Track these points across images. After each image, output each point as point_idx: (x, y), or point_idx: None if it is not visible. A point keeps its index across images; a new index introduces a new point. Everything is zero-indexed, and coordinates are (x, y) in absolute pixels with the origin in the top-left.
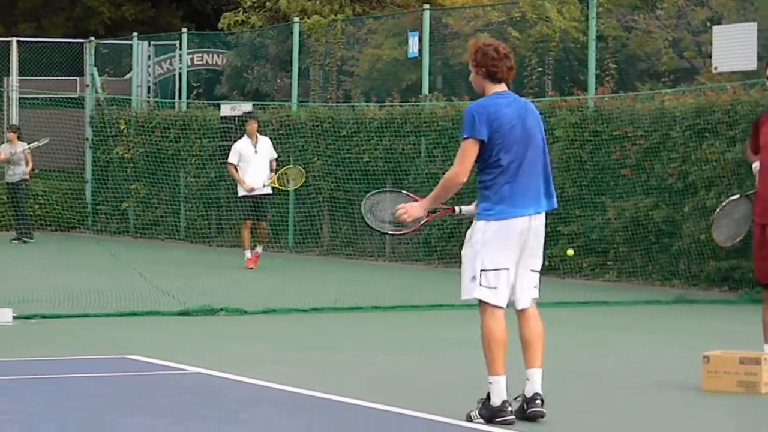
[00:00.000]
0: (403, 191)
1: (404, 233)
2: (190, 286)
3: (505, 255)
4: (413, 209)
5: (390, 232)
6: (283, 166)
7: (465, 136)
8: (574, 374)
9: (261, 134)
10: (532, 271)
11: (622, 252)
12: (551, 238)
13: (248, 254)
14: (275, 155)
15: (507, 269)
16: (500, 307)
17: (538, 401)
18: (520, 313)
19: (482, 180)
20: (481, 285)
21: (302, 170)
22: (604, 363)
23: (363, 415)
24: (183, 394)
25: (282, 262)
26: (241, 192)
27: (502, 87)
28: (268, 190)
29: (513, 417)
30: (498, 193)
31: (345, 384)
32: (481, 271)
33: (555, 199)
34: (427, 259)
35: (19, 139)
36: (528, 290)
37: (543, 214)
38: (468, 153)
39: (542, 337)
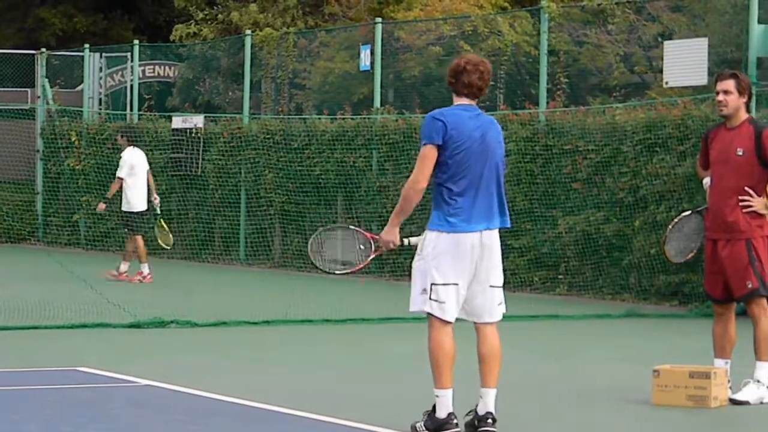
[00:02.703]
0: (351, 227)
1: (353, 271)
2: (141, 299)
3: (455, 270)
4: (388, 235)
5: (338, 272)
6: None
7: (423, 142)
8: (524, 388)
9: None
10: (491, 286)
11: (572, 266)
12: (502, 251)
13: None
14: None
15: (456, 284)
16: (448, 322)
17: (490, 420)
18: (479, 328)
19: (437, 191)
20: (430, 299)
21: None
22: (554, 377)
23: (312, 428)
24: (133, 406)
25: (233, 274)
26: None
27: (465, 101)
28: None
29: (458, 429)
30: (451, 206)
31: (295, 397)
32: (432, 285)
33: (508, 218)
34: (378, 272)
35: None
36: (488, 306)
37: (496, 231)
38: (426, 158)
39: (499, 355)
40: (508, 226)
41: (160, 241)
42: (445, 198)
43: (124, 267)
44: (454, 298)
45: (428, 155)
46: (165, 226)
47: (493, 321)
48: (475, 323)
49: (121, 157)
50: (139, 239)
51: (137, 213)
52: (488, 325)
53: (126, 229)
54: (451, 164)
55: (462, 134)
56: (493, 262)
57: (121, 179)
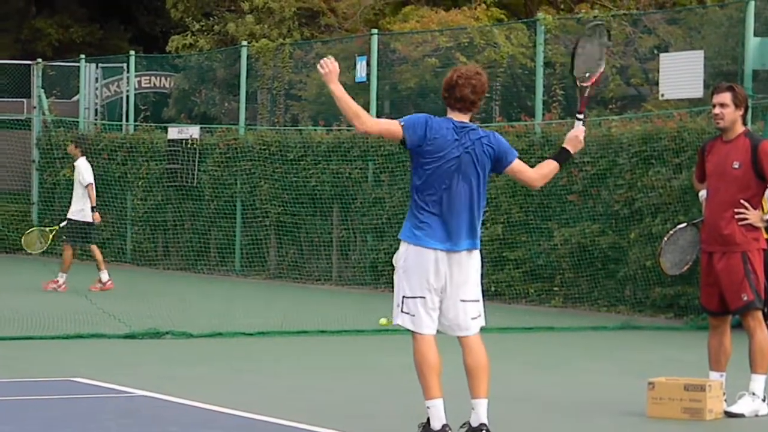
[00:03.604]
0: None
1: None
2: (136, 309)
3: (421, 283)
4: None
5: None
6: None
7: (401, 121)
8: (520, 400)
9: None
10: (462, 300)
11: (568, 278)
12: (497, 263)
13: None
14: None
15: (423, 297)
16: (425, 334)
17: (484, 431)
18: (461, 341)
19: (412, 197)
20: (402, 312)
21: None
22: (550, 389)
23: None
24: (128, 417)
25: (228, 285)
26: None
27: (458, 115)
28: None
29: None
30: (418, 219)
31: (290, 408)
32: (403, 297)
33: (478, 240)
34: (373, 284)
35: None
36: (460, 321)
37: (468, 252)
38: (388, 125)
39: (486, 366)
40: (477, 248)
41: (30, 240)
42: (414, 211)
43: (104, 276)
44: (423, 311)
45: (392, 125)
46: (48, 237)
47: (465, 335)
48: (457, 337)
49: (76, 166)
50: (71, 250)
51: (87, 223)
52: (470, 337)
53: (81, 240)
54: (422, 174)
55: (437, 150)
56: (463, 278)
57: (92, 183)
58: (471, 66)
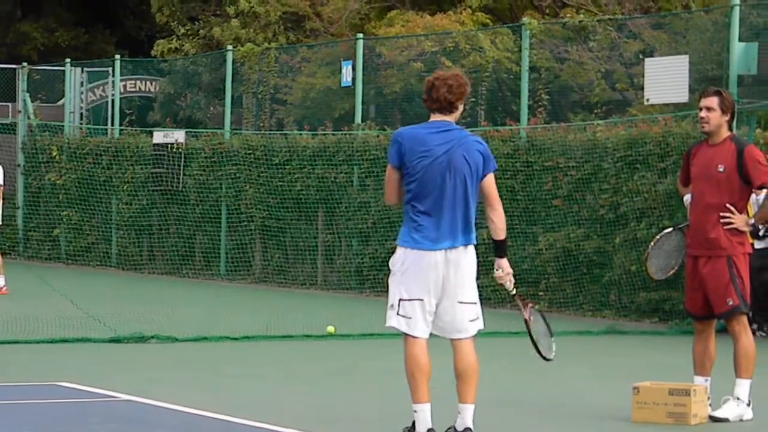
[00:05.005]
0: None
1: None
2: (122, 313)
3: (419, 285)
4: None
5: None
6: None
7: (390, 162)
8: (504, 404)
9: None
10: (459, 302)
11: (553, 282)
12: (483, 267)
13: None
14: None
15: (421, 300)
16: (419, 337)
17: None
18: (455, 344)
19: (405, 208)
20: (398, 314)
21: None
22: (534, 393)
23: None
24: (113, 421)
25: (213, 289)
26: None
27: (438, 116)
28: None
29: None
30: (416, 223)
31: (276, 413)
32: (399, 300)
33: (474, 235)
34: (358, 288)
35: None
36: (458, 323)
37: (465, 248)
38: (388, 178)
39: (476, 371)
40: (474, 243)
41: None
42: (410, 215)
43: (1, 281)
44: (420, 314)
45: (389, 175)
46: None
47: (463, 337)
48: (450, 340)
49: None
50: None
51: None
52: (463, 341)
53: None
54: (414, 182)
55: (420, 153)
56: (460, 279)
57: (2, 186)
58: (452, 70)
